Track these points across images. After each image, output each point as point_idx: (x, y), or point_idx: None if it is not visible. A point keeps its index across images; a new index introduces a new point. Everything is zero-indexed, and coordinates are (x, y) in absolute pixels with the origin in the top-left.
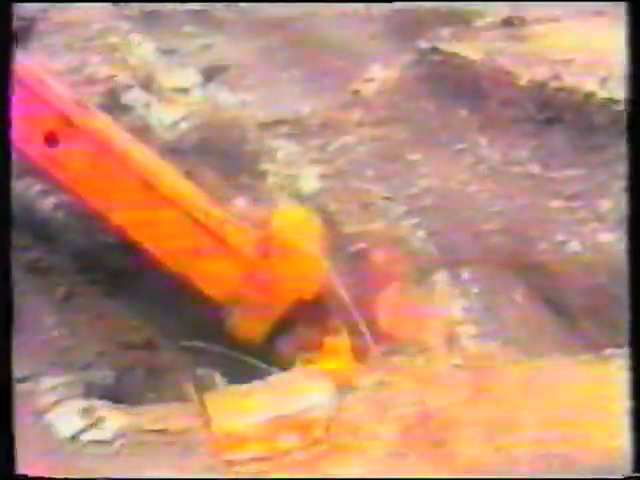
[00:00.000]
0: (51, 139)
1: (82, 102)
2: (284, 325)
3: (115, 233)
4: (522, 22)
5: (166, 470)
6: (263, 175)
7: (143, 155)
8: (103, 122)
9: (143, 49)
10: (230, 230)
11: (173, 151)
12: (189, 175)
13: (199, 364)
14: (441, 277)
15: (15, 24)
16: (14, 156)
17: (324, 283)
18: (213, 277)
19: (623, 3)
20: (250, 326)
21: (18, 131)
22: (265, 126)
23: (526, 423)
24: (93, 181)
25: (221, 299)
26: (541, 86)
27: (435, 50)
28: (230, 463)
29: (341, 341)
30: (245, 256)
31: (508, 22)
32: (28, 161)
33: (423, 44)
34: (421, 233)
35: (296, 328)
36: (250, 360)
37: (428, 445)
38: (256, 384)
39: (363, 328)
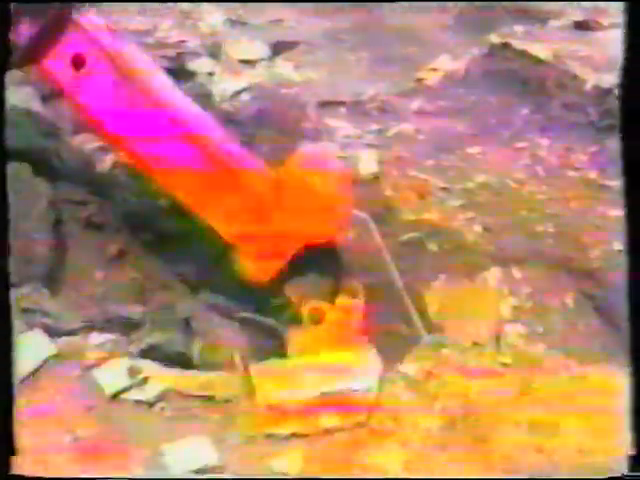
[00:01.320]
0: (78, 61)
1: (112, 28)
2: (295, 270)
3: (134, 164)
4: (598, 26)
5: (204, 438)
6: None
7: (168, 90)
8: (133, 51)
9: (214, 18)
10: (246, 168)
11: (231, 121)
12: (244, 145)
13: (250, 336)
14: (492, 274)
15: None
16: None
17: (342, 228)
18: (226, 216)
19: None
20: (261, 267)
21: (47, 52)
22: (326, 105)
23: (569, 429)
24: (115, 109)
25: (233, 239)
26: (605, 93)
27: (506, 46)
28: (270, 437)
29: (355, 304)
30: (260, 195)
31: (582, 25)
32: (54, 84)
33: (494, 39)
34: (476, 228)
35: (308, 275)
36: None
37: (469, 440)
38: (304, 359)
39: (414, 316)
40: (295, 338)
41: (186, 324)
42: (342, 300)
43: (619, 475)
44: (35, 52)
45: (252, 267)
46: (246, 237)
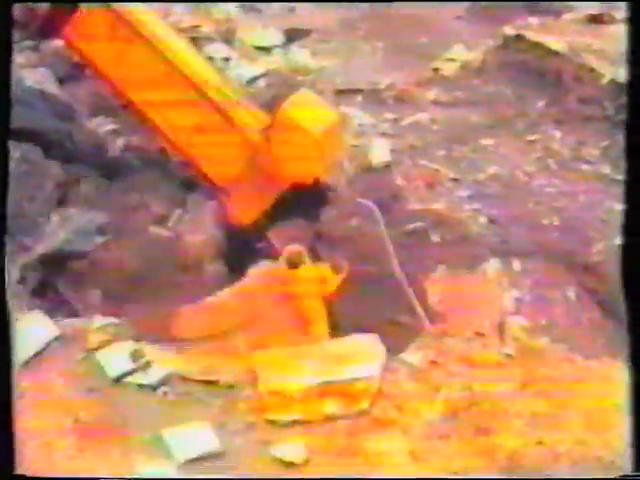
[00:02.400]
0: None
1: None
2: (279, 214)
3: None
4: (612, 20)
5: (206, 423)
6: None
7: (163, 31)
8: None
9: (227, 4)
10: (240, 111)
11: None
12: None
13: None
14: (493, 265)
15: None
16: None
17: (326, 170)
18: (216, 157)
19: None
20: (246, 209)
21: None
22: (341, 93)
23: (570, 422)
24: (112, 55)
25: (221, 180)
26: (622, 87)
27: (520, 38)
28: (272, 423)
29: (333, 278)
30: (250, 137)
31: (596, 19)
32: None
33: (509, 30)
34: (481, 219)
35: (291, 219)
36: None
37: (471, 431)
38: (306, 348)
39: (416, 305)
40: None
41: None
42: (324, 269)
43: (619, 475)
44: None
45: (237, 209)
46: (235, 179)
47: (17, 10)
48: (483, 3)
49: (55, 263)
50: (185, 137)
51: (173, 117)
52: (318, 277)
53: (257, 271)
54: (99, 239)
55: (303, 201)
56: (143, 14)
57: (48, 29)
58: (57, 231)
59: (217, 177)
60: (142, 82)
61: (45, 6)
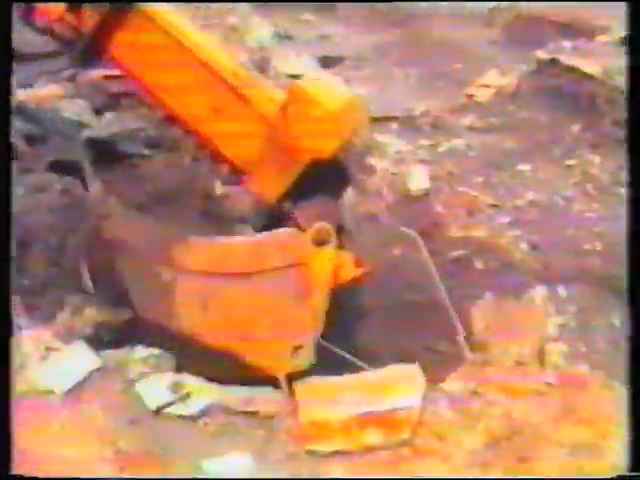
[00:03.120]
0: None
1: None
2: (303, 192)
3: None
4: None
5: (247, 454)
6: (370, 170)
7: (175, 16)
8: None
9: (261, 32)
10: (255, 91)
11: None
12: None
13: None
14: (539, 292)
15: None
16: None
17: (344, 145)
18: (234, 138)
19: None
20: (268, 188)
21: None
22: (376, 121)
23: (612, 451)
24: (126, 40)
25: (241, 161)
26: None
27: (554, 62)
28: (312, 453)
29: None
30: (267, 116)
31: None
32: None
33: (542, 55)
34: (523, 246)
35: (315, 197)
36: (344, 354)
37: (512, 460)
38: (348, 378)
39: (460, 334)
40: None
41: None
42: (348, 255)
43: (619, 475)
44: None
45: (260, 187)
46: (255, 159)
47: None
48: (516, 27)
49: None
50: (202, 120)
51: (188, 101)
52: (339, 260)
53: (279, 234)
54: None
55: (325, 178)
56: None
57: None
58: None
59: (237, 158)
60: (156, 65)
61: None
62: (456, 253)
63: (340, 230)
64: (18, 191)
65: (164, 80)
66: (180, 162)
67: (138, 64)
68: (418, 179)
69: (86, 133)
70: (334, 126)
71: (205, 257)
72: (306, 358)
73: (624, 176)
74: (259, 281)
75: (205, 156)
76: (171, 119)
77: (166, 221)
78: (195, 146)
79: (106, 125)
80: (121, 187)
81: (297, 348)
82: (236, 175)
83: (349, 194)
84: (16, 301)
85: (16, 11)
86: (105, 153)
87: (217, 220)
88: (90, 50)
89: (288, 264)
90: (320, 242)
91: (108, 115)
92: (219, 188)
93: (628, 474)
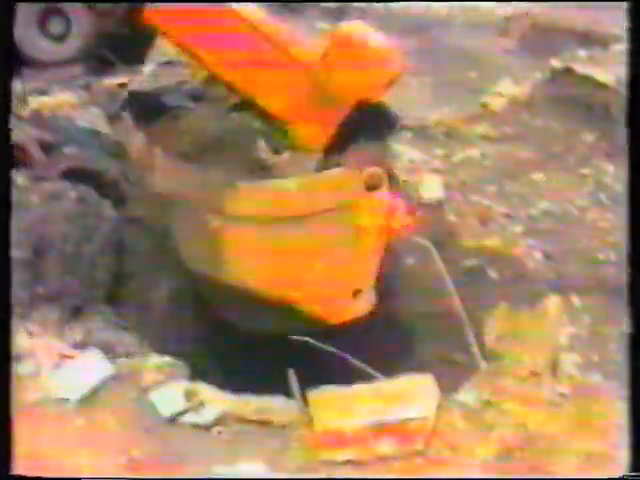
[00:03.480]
0: None
1: None
2: (349, 137)
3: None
4: None
5: (260, 462)
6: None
7: None
8: None
9: None
10: (295, 41)
11: None
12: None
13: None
14: (553, 302)
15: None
16: None
17: (388, 87)
18: (275, 90)
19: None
20: (314, 136)
21: None
22: None
23: (625, 461)
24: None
25: (283, 113)
26: None
27: (569, 71)
28: (326, 463)
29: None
30: (308, 63)
31: None
32: None
33: (557, 63)
34: (537, 255)
35: (362, 142)
36: (358, 364)
37: (525, 470)
38: (361, 387)
39: (473, 344)
40: None
41: None
42: (399, 203)
43: (619, 475)
44: None
45: (305, 136)
46: (297, 109)
47: None
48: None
49: None
50: (242, 74)
51: (227, 55)
52: (391, 206)
53: (331, 174)
54: None
55: (371, 122)
56: None
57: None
58: None
59: (279, 110)
60: (192, 21)
61: None
62: (470, 263)
63: (390, 177)
64: (33, 199)
65: (200, 34)
66: (224, 114)
67: (179, 22)
68: (432, 188)
69: (130, 87)
70: (379, 67)
71: (255, 202)
72: (366, 304)
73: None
74: (311, 223)
75: (248, 111)
76: (213, 75)
77: (213, 169)
78: (238, 100)
79: (150, 78)
80: (165, 139)
81: (356, 292)
82: (280, 128)
83: None
84: (30, 309)
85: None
86: (149, 106)
87: (262, 174)
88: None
89: (341, 204)
90: (372, 187)
91: (151, 68)
92: (263, 147)
93: (630, 474)
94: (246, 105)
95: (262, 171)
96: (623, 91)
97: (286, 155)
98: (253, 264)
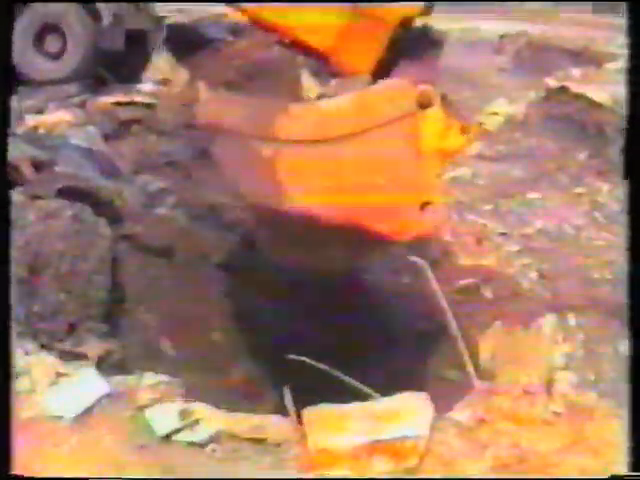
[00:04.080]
0: None
1: None
2: (397, 58)
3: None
4: None
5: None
6: None
7: None
8: None
9: None
10: None
11: None
12: None
13: (301, 379)
14: (548, 321)
15: (148, 22)
16: None
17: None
18: (314, 23)
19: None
20: (360, 61)
21: None
22: None
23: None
24: None
25: (324, 44)
26: None
27: (563, 90)
28: None
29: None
30: None
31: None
32: None
33: (551, 82)
34: (532, 274)
35: (410, 61)
36: (352, 382)
37: None
38: (355, 405)
39: (467, 363)
40: None
41: None
42: (454, 123)
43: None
44: None
45: (351, 62)
46: (338, 37)
47: None
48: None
49: None
50: (282, 11)
51: None
52: (445, 126)
53: (384, 86)
54: None
55: (417, 42)
56: None
57: None
58: None
59: (319, 42)
60: None
61: None
62: (465, 282)
63: (443, 97)
64: (29, 217)
65: None
66: (267, 45)
67: None
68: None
69: (168, 20)
70: None
71: (308, 123)
72: (435, 217)
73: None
74: (368, 139)
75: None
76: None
77: (260, 95)
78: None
79: (190, 11)
80: (208, 70)
81: (424, 205)
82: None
83: None
84: (26, 326)
85: None
86: (188, 39)
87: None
88: None
89: (397, 116)
90: (424, 104)
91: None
92: (306, 77)
93: (630, 474)
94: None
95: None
96: (617, 110)
97: (333, 82)
98: (313, 189)
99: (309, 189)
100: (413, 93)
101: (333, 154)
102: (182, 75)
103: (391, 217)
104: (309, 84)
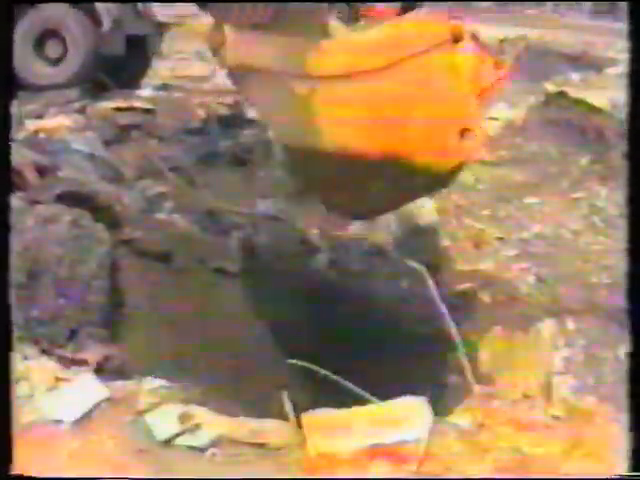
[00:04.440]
0: None
1: None
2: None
3: None
4: None
5: None
6: None
7: None
8: None
9: None
10: None
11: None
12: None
13: (300, 385)
14: (547, 325)
15: (148, 27)
16: None
17: None
18: None
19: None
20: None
21: None
22: None
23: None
24: None
25: None
26: None
27: (562, 95)
28: None
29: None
30: None
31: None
32: None
33: (551, 87)
34: (530, 279)
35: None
36: (351, 386)
37: None
38: (355, 410)
39: (466, 367)
40: None
41: None
42: (487, 58)
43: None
44: None
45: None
46: None
47: None
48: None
49: None
50: None
51: None
52: (478, 60)
53: (417, 15)
54: None
55: None
56: None
57: None
58: None
59: None
60: None
61: None
62: (463, 286)
63: (474, 35)
64: (28, 222)
65: None
66: None
67: None
68: (426, 212)
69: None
70: None
71: (341, 57)
72: (475, 145)
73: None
74: (403, 70)
75: None
76: None
77: (289, 33)
78: None
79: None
80: (232, 13)
81: (464, 131)
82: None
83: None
84: (25, 332)
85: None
86: None
87: None
88: None
89: (432, 45)
90: (457, 38)
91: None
92: (333, 18)
93: (630, 474)
94: None
95: None
96: (617, 114)
97: (362, 22)
98: (349, 124)
99: (346, 125)
100: (445, 25)
101: (368, 87)
102: (207, 19)
103: (431, 147)
104: (337, 24)
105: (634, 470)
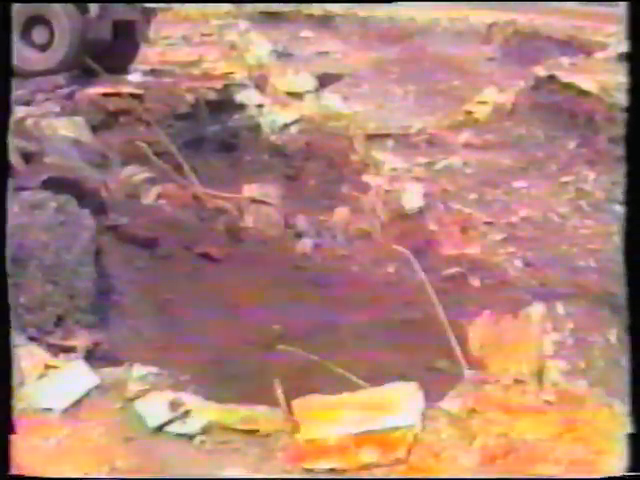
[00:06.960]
0: None
1: None
2: None
3: None
4: None
5: (244, 471)
6: (366, 187)
7: None
8: None
9: (260, 50)
10: None
11: (279, 153)
12: (292, 179)
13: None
14: (536, 309)
15: (135, 12)
16: None
17: None
18: None
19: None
20: None
21: None
22: (373, 138)
23: (611, 469)
24: None
25: None
26: None
27: (552, 79)
28: (308, 472)
29: None
30: None
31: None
32: None
33: (540, 71)
34: (517, 262)
35: None
36: (342, 372)
37: (509, 476)
38: (345, 396)
39: (457, 352)
40: None
41: None
42: None
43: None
44: None
45: None
46: None
47: None
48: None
49: None
50: None
51: None
52: None
53: None
54: None
55: None
56: None
57: None
58: None
59: None
60: None
61: None
62: (450, 271)
63: None
64: (14, 208)
65: None
66: None
67: None
68: (412, 197)
69: None
70: None
71: None
72: None
73: (618, 193)
74: None
75: None
76: None
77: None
78: None
79: None
80: None
81: None
82: None
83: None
84: (14, 319)
85: None
86: None
87: None
88: None
89: None
90: None
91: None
92: None
93: (630, 474)
94: None
95: None
96: (606, 98)
97: None
98: None
99: None
100: None
101: None
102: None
103: None
104: None
105: (634, 470)
